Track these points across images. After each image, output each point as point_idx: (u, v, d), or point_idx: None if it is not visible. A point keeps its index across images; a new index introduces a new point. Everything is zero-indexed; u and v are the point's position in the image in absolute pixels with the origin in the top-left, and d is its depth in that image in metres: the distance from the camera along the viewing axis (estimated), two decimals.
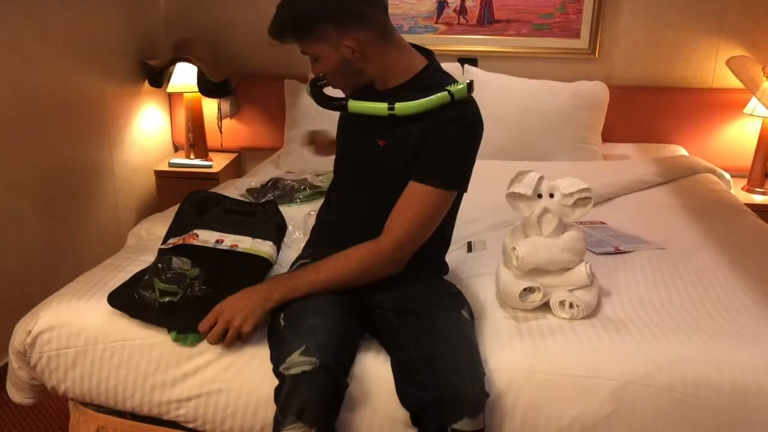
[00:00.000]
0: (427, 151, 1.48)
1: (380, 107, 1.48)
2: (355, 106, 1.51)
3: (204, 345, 1.48)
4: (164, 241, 1.70)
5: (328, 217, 1.72)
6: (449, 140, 1.47)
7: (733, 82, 2.88)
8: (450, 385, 1.29)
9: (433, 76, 1.52)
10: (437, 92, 1.45)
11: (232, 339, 1.43)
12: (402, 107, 1.46)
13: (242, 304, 1.44)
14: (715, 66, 3.03)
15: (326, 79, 1.55)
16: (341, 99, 1.54)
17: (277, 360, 1.35)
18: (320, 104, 1.57)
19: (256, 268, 1.60)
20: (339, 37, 1.45)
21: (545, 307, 1.57)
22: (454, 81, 1.50)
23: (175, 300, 1.49)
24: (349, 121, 1.65)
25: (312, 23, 1.45)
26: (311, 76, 1.59)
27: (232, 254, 1.56)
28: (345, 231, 1.58)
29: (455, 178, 1.51)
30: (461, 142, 1.49)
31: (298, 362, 1.30)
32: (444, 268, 1.73)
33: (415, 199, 1.49)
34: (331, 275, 1.48)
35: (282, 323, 1.43)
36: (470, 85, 1.49)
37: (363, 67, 1.50)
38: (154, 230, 2.00)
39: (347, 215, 1.64)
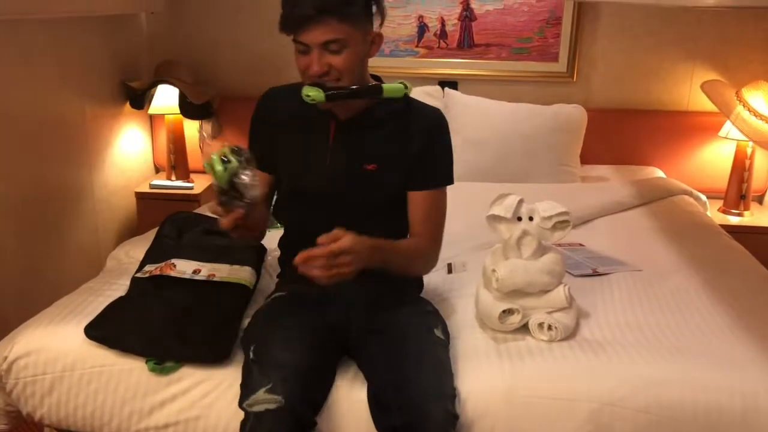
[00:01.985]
0: (429, 160, 1.56)
1: (401, 87, 1.51)
2: (389, 88, 1.48)
3: (182, 372, 1.47)
4: (140, 268, 1.69)
5: (300, 244, 1.62)
6: (442, 144, 1.59)
7: (708, 105, 2.93)
8: (417, 409, 1.29)
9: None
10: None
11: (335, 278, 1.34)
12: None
13: (363, 257, 1.37)
14: (691, 89, 3.10)
15: (333, 79, 1.44)
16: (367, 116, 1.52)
17: (242, 395, 1.35)
18: (348, 97, 1.46)
19: (234, 294, 1.59)
20: (369, 27, 1.47)
21: (524, 328, 1.58)
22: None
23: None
24: (328, 151, 1.57)
25: None
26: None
27: (211, 284, 1.56)
28: None
29: (451, 173, 1.62)
30: (448, 141, 1.61)
31: (263, 400, 1.29)
32: (419, 281, 1.73)
33: (434, 204, 1.59)
34: (404, 251, 1.54)
35: (251, 356, 1.41)
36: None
37: (362, 68, 1.50)
38: (134, 253, 1.99)
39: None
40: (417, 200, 1.58)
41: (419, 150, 1.55)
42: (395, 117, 1.55)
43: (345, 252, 1.33)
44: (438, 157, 1.59)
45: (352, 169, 1.55)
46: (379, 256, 1.44)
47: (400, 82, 1.55)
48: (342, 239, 1.34)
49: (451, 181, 1.62)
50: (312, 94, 1.43)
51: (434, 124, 1.58)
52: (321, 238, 1.34)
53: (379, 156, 1.54)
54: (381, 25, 1.50)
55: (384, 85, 1.49)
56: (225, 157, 1.33)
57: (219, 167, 1.32)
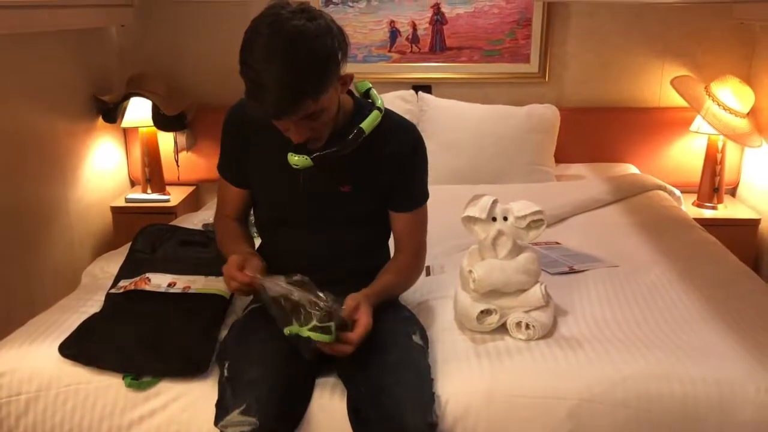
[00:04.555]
0: (407, 181, 1.57)
1: (377, 114, 1.49)
2: (368, 124, 1.45)
3: (160, 387, 1.46)
4: (115, 283, 1.67)
5: (278, 260, 1.58)
6: (420, 165, 1.59)
7: (679, 100, 2.97)
8: (394, 420, 1.28)
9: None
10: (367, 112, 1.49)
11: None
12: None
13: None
14: (661, 86, 3.14)
15: (315, 137, 1.41)
16: (348, 136, 1.44)
17: (217, 415, 1.33)
18: (334, 155, 1.43)
19: (211, 305, 1.58)
20: (339, 73, 1.35)
21: (502, 328, 1.59)
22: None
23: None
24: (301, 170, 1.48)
25: (331, 64, 1.31)
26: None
27: (186, 296, 1.55)
28: (302, 271, 1.46)
29: (427, 188, 1.63)
30: (425, 160, 1.60)
31: (237, 422, 1.28)
32: None
33: (417, 221, 1.61)
34: (396, 283, 1.58)
35: (225, 373, 1.39)
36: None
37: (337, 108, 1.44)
38: (108, 269, 1.96)
39: (305, 258, 1.57)
40: (400, 219, 1.60)
41: (397, 171, 1.54)
42: (370, 137, 1.48)
43: (369, 329, 1.38)
44: (417, 179, 1.59)
45: (327, 191, 1.53)
46: (376, 301, 1.47)
47: (369, 87, 1.55)
48: (362, 320, 1.38)
49: (428, 196, 1.63)
50: (297, 161, 1.41)
51: (410, 145, 1.55)
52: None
53: (354, 177, 1.53)
54: (345, 62, 1.39)
55: (363, 125, 1.45)
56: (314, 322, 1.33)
57: (325, 336, 1.33)
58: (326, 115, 1.38)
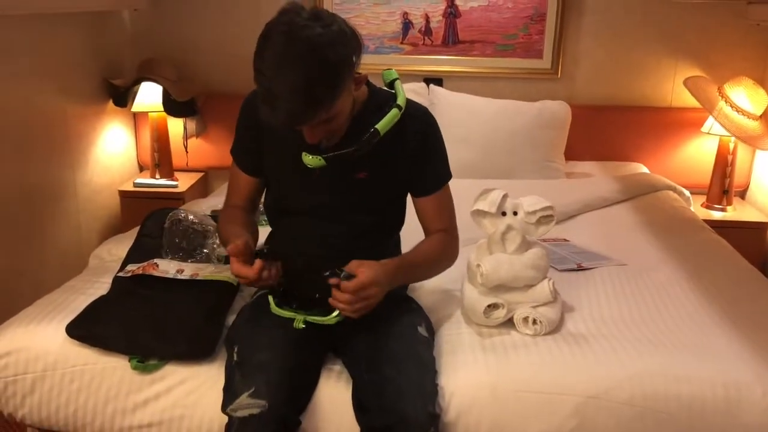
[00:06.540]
0: (429, 165, 1.57)
1: (396, 113, 1.46)
2: (384, 124, 1.43)
3: (165, 370, 1.46)
4: (122, 267, 1.67)
5: (289, 247, 1.59)
6: (436, 146, 1.58)
7: (691, 101, 2.96)
8: (395, 410, 1.29)
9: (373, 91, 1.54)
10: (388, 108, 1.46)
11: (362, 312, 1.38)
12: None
13: (385, 284, 1.40)
14: (674, 86, 3.12)
15: (331, 138, 1.41)
16: (364, 134, 1.42)
17: (225, 399, 1.34)
18: (351, 157, 1.41)
19: (218, 291, 1.58)
20: (352, 77, 1.35)
21: (509, 323, 1.58)
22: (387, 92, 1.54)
23: None
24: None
25: (344, 72, 1.30)
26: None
27: (194, 282, 1.55)
28: (315, 259, 1.48)
29: (449, 167, 1.62)
30: (441, 139, 1.59)
31: (246, 404, 1.28)
32: None
33: (442, 201, 1.60)
34: (425, 259, 1.54)
35: (235, 358, 1.39)
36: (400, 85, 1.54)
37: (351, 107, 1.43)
38: (116, 251, 1.97)
39: (317, 244, 1.56)
40: (425, 204, 1.59)
41: (413, 154, 1.53)
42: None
43: (367, 286, 1.35)
44: (436, 160, 1.58)
45: (342, 179, 1.52)
46: (402, 274, 1.46)
47: (395, 78, 1.53)
48: (362, 274, 1.35)
49: (450, 175, 1.61)
50: (311, 162, 1.42)
51: (425, 128, 1.55)
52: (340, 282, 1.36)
53: (370, 164, 1.52)
54: (359, 62, 1.37)
55: (379, 126, 1.43)
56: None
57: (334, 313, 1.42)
58: (340, 118, 1.38)
